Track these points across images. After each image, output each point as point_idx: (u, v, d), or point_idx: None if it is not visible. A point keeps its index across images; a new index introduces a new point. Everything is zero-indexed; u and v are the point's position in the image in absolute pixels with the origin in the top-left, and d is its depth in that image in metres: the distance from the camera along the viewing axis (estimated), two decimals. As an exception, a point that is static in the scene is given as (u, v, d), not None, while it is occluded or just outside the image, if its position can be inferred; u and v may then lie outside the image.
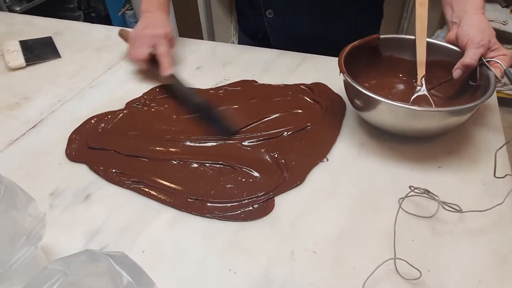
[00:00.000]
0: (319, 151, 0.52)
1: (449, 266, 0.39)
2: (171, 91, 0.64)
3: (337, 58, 0.54)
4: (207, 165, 0.50)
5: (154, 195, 0.47)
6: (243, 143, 0.53)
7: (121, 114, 0.59)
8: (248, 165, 0.50)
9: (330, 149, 0.52)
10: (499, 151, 0.45)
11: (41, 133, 0.58)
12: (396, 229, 0.40)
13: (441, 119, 0.48)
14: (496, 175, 0.44)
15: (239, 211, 0.45)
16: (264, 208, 0.45)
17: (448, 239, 0.41)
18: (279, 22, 0.75)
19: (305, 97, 0.61)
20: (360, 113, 0.55)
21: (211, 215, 0.44)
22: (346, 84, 0.53)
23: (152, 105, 0.61)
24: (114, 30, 0.86)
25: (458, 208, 0.41)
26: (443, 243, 0.41)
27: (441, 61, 0.57)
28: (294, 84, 0.64)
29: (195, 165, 0.50)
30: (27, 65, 0.72)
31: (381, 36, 0.59)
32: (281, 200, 0.46)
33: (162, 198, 0.47)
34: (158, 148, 0.53)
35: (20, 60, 0.72)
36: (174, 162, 0.51)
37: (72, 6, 1.85)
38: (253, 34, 0.83)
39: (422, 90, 0.56)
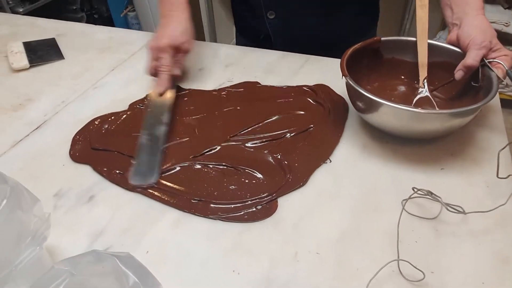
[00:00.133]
0: (322, 153, 0.52)
1: (452, 268, 0.39)
2: (147, 107, 0.60)
3: (339, 60, 0.54)
4: (211, 166, 0.50)
5: (157, 196, 0.47)
6: (246, 145, 0.54)
7: (124, 115, 0.59)
8: (251, 167, 0.50)
9: (333, 151, 0.52)
10: (502, 152, 0.45)
11: (45, 134, 0.58)
12: (399, 231, 0.40)
13: (444, 121, 0.48)
14: (499, 176, 0.44)
15: (242, 212, 0.45)
16: (267, 209, 0.45)
17: (451, 240, 0.41)
18: (281, 23, 0.75)
19: (308, 99, 0.62)
20: (363, 115, 0.55)
21: (214, 216, 0.45)
22: (349, 87, 0.53)
23: (155, 106, 0.62)
24: (117, 31, 0.87)
25: (461, 209, 0.41)
26: (446, 244, 0.41)
27: (442, 62, 0.57)
28: (297, 86, 0.64)
29: (198, 166, 0.51)
30: (30, 67, 0.73)
31: (382, 38, 0.59)
32: (284, 201, 0.46)
33: (166, 199, 0.47)
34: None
35: (23, 61, 0.72)
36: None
37: (74, 7, 1.86)
38: (254, 36, 0.83)
39: (425, 92, 0.56)
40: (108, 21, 2.07)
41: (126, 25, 2.18)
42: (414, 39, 0.57)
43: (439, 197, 0.43)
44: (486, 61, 0.51)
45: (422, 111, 0.48)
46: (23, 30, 0.87)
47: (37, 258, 0.33)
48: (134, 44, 0.80)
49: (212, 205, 0.46)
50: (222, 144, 0.54)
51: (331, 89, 0.63)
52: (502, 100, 0.61)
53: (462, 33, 0.53)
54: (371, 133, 0.55)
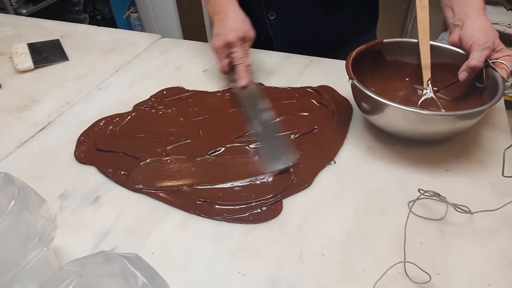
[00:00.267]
0: (326, 154, 0.52)
1: (458, 269, 0.39)
2: (241, 102, 0.60)
3: (343, 61, 0.55)
4: (215, 167, 0.51)
5: (162, 197, 0.47)
6: (251, 146, 0.54)
7: (129, 117, 0.60)
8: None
9: (337, 152, 0.52)
10: (508, 151, 0.45)
11: (50, 135, 0.58)
12: (405, 232, 0.40)
13: (451, 123, 0.48)
14: (505, 174, 0.44)
15: (247, 214, 0.45)
16: (273, 211, 0.45)
17: (457, 242, 0.41)
18: (281, 23, 0.75)
19: (312, 100, 0.62)
20: (368, 117, 0.55)
21: (219, 217, 0.45)
22: (354, 88, 0.53)
23: (159, 107, 0.62)
24: (121, 33, 0.87)
25: (467, 209, 0.41)
26: (452, 246, 0.41)
27: (445, 64, 0.57)
28: (301, 87, 0.65)
29: (203, 168, 0.51)
30: (35, 68, 0.73)
31: (384, 40, 0.59)
32: (289, 203, 0.46)
33: (171, 200, 0.47)
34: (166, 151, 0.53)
35: (28, 62, 0.73)
36: (182, 165, 0.51)
37: (77, 8, 1.86)
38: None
39: (429, 93, 0.56)
40: (110, 22, 2.07)
41: (128, 26, 2.19)
42: (416, 40, 0.58)
43: (445, 197, 0.43)
44: (490, 61, 0.51)
45: (430, 112, 0.48)
46: (27, 31, 0.87)
47: (44, 259, 0.33)
48: (138, 45, 0.80)
49: (217, 206, 0.46)
50: (227, 146, 0.54)
51: (335, 91, 0.63)
52: (505, 102, 0.61)
53: (464, 34, 0.53)
54: (376, 135, 0.55)
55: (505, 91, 1.61)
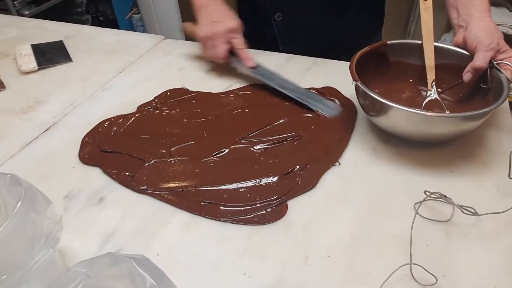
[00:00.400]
0: (331, 155, 0.52)
1: (464, 271, 0.38)
2: (261, 77, 0.65)
3: (346, 62, 0.55)
4: (220, 168, 0.51)
5: (167, 198, 0.47)
6: (255, 147, 0.54)
7: (133, 118, 0.60)
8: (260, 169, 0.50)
9: (342, 154, 0.52)
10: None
11: (54, 136, 0.58)
12: (411, 234, 0.40)
13: (456, 125, 0.48)
14: (511, 176, 0.44)
15: (252, 215, 0.45)
16: (277, 212, 0.45)
17: (463, 243, 0.41)
18: (288, 25, 0.75)
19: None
20: (372, 119, 0.55)
21: (224, 219, 0.45)
22: (358, 90, 0.53)
23: (163, 108, 0.62)
24: (124, 34, 0.87)
25: (474, 211, 0.41)
26: (458, 248, 0.40)
27: (449, 65, 0.57)
28: (305, 88, 0.65)
29: (208, 169, 0.51)
30: (39, 69, 0.73)
31: (388, 42, 0.59)
32: (293, 204, 0.46)
33: (175, 201, 0.47)
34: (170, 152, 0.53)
35: (32, 64, 0.73)
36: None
37: (80, 10, 1.87)
38: (259, 39, 0.83)
39: (433, 95, 0.56)
40: (113, 24, 2.08)
41: (131, 27, 2.19)
42: (420, 42, 0.57)
43: (451, 199, 0.42)
44: (495, 62, 0.51)
45: (435, 114, 0.48)
46: (31, 32, 0.87)
47: (50, 260, 0.33)
48: (141, 46, 0.81)
49: (221, 208, 0.46)
50: (231, 147, 0.54)
51: (339, 92, 0.63)
52: (509, 103, 0.61)
53: (469, 35, 0.53)
54: (380, 136, 0.55)
55: (510, 93, 1.61)
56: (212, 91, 0.66)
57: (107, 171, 0.51)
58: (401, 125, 0.50)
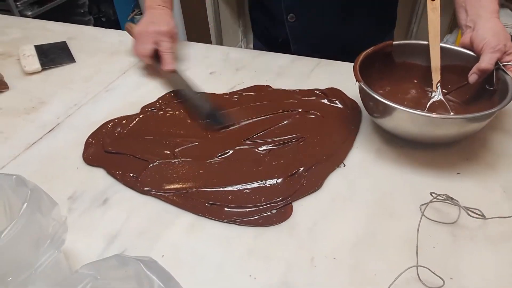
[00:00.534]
0: (335, 157, 0.52)
1: (471, 274, 0.38)
2: (172, 84, 0.67)
3: (351, 64, 0.54)
4: (224, 170, 0.50)
5: (171, 199, 0.47)
6: (259, 148, 0.53)
7: (137, 119, 0.60)
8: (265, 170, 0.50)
9: (346, 155, 0.52)
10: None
11: (58, 137, 0.58)
12: (418, 236, 0.40)
13: (460, 126, 0.48)
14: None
15: (257, 217, 0.45)
16: (282, 214, 0.45)
17: (470, 246, 0.41)
18: (300, 26, 0.75)
19: (320, 102, 0.61)
20: (376, 120, 0.54)
21: (229, 220, 0.44)
22: (362, 91, 0.53)
23: (167, 109, 0.62)
24: (127, 35, 0.87)
25: (480, 214, 0.41)
26: (465, 250, 0.40)
27: (455, 66, 0.57)
28: (309, 89, 0.64)
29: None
30: (42, 70, 0.73)
31: (394, 42, 0.59)
32: (298, 206, 0.46)
33: (180, 202, 0.47)
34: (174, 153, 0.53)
35: (36, 64, 0.73)
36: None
37: (82, 10, 1.87)
38: (271, 41, 0.83)
39: (438, 96, 0.56)
40: (115, 24, 2.08)
41: (132, 28, 2.19)
42: (426, 42, 0.57)
43: (457, 201, 0.42)
44: (501, 64, 0.51)
45: (438, 116, 0.48)
46: (34, 33, 0.87)
47: (55, 261, 0.33)
48: (145, 47, 0.80)
49: (226, 209, 0.46)
50: (235, 148, 0.54)
51: (343, 93, 0.63)
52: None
53: (476, 36, 0.52)
54: (385, 137, 0.55)
55: None
56: (216, 92, 0.66)
57: (111, 172, 0.51)
58: (405, 126, 0.50)
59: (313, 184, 0.48)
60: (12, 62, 0.76)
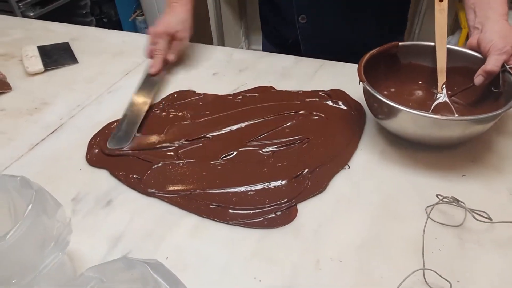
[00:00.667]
0: (340, 158, 0.51)
1: (478, 278, 0.38)
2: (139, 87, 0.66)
3: (354, 65, 0.54)
4: (228, 171, 0.50)
5: (175, 201, 0.47)
6: (263, 150, 0.53)
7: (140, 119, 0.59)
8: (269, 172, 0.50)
9: (351, 157, 0.52)
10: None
11: (61, 138, 0.58)
12: (423, 239, 0.39)
13: (464, 128, 0.47)
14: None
15: (261, 218, 0.44)
16: (287, 215, 0.44)
17: (476, 249, 0.40)
18: (311, 27, 0.75)
19: (324, 103, 0.61)
20: (381, 121, 0.54)
21: (233, 222, 0.44)
22: (366, 92, 0.53)
23: (170, 110, 0.62)
24: (130, 36, 0.87)
25: (487, 216, 0.41)
26: (471, 253, 0.40)
27: (461, 68, 0.56)
28: (312, 91, 0.64)
29: (216, 171, 0.50)
30: (45, 70, 0.73)
31: (400, 43, 0.59)
32: (303, 208, 0.46)
33: (184, 204, 0.46)
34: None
35: (38, 65, 0.73)
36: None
37: (84, 11, 1.87)
38: (281, 41, 0.83)
39: (443, 97, 0.56)
40: (116, 25, 2.08)
41: (134, 29, 2.20)
42: (432, 44, 0.57)
43: (464, 203, 0.42)
44: (507, 66, 0.51)
45: (442, 117, 0.47)
46: (36, 34, 0.87)
47: (59, 263, 0.33)
48: (148, 48, 0.80)
49: (230, 211, 0.45)
50: (239, 149, 0.53)
51: (347, 94, 0.63)
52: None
53: (483, 38, 0.52)
54: (389, 139, 0.55)
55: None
56: (219, 93, 0.65)
57: (114, 174, 0.51)
58: (410, 128, 0.50)
59: (317, 186, 0.48)
60: (15, 63, 0.76)
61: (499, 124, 0.56)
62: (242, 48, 2.16)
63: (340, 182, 0.49)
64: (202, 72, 0.72)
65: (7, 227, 0.29)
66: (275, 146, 0.54)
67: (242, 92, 0.65)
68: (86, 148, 0.55)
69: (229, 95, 0.65)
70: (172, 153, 0.53)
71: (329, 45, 0.76)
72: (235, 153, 0.53)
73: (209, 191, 0.48)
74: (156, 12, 2.01)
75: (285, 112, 0.60)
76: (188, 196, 0.47)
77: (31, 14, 1.60)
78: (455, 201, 0.42)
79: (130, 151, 0.54)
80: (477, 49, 0.54)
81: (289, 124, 0.57)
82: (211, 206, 0.46)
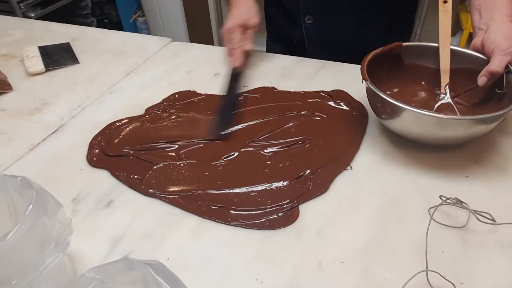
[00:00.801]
0: (342, 159, 0.51)
1: (482, 280, 0.37)
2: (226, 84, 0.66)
3: (357, 66, 0.54)
4: (229, 172, 0.50)
5: (176, 201, 0.47)
6: (265, 150, 0.53)
7: (141, 120, 0.59)
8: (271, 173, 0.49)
9: (353, 157, 0.52)
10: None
11: (62, 138, 0.58)
12: (427, 240, 0.39)
13: (467, 128, 0.47)
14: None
15: (263, 219, 0.44)
16: (289, 217, 0.44)
17: (480, 251, 0.40)
18: (317, 28, 0.75)
19: (326, 104, 0.61)
20: (383, 121, 0.54)
21: (235, 223, 0.44)
22: (369, 92, 0.53)
23: (171, 111, 0.61)
24: (130, 36, 0.87)
25: (491, 218, 0.40)
26: (475, 254, 0.40)
27: (464, 69, 0.56)
28: (314, 91, 0.64)
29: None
30: (46, 71, 0.73)
31: (403, 44, 0.59)
32: (305, 209, 0.45)
33: (185, 204, 0.46)
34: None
35: (39, 65, 0.73)
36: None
37: (85, 12, 1.87)
38: (286, 42, 0.83)
39: (446, 98, 0.56)
40: (117, 26, 2.08)
41: (135, 30, 2.20)
42: (435, 44, 0.57)
43: (467, 205, 0.42)
44: (511, 67, 0.50)
45: (445, 116, 0.47)
46: (37, 34, 0.87)
47: (60, 264, 0.32)
48: (148, 48, 0.80)
49: (232, 212, 0.45)
50: (241, 150, 0.53)
51: (349, 95, 0.63)
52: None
53: (487, 39, 0.52)
54: (391, 139, 0.54)
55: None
56: (220, 94, 0.65)
57: (115, 174, 0.50)
58: (413, 127, 0.50)
59: (319, 187, 0.47)
60: (15, 63, 0.76)
61: (502, 125, 0.55)
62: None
63: (342, 183, 0.48)
64: (203, 72, 0.72)
65: (8, 228, 0.28)
66: (277, 147, 0.53)
67: (244, 92, 0.65)
68: (86, 148, 0.55)
69: (231, 95, 0.65)
70: (173, 154, 0.53)
71: (335, 46, 0.76)
72: (236, 153, 0.53)
73: (210, 191, 0.47)
74: (157, 13, 2.01)
75: (286, 113, 0.59)
76: (189, 197, 0.47)
77: (32, 14, 1.60)
78: (458, 202, 0.42)
79: (131, 151, 0.53)
80: (481, 49, 0.54)
81: (290, 124, 0.57)
82: (212, 207, 0.46)
